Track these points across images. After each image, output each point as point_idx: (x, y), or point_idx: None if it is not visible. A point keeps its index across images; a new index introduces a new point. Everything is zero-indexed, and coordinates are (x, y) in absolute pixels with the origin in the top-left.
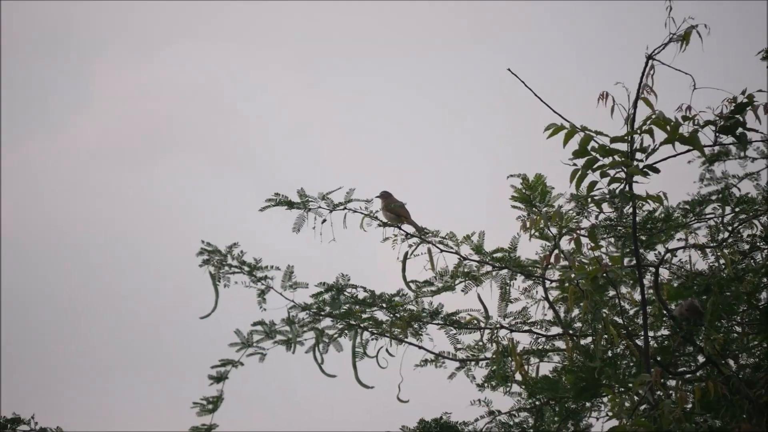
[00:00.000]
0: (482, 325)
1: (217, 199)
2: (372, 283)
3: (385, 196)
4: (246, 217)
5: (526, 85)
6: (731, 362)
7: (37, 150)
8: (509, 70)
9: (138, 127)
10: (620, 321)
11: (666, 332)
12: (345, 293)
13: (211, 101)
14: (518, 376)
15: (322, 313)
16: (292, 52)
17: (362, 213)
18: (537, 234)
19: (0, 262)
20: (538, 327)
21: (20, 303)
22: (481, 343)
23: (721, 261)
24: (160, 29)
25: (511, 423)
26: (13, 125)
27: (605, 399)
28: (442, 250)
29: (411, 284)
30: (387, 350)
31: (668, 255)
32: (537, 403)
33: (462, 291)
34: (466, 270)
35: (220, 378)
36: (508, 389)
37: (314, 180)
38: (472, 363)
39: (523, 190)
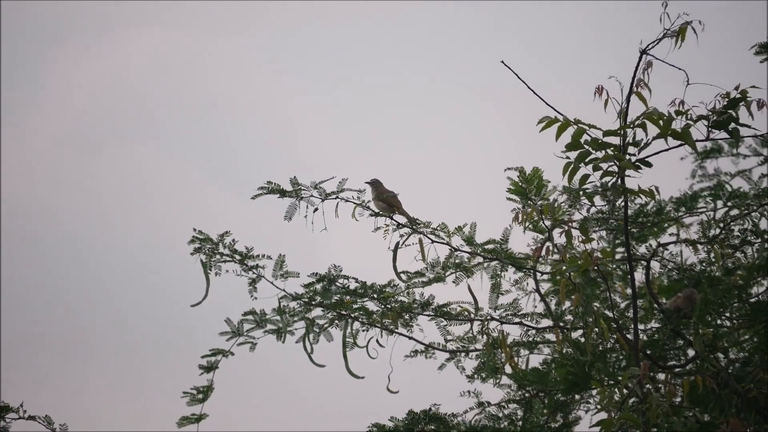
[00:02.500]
0: (472, 316)
1: (178, 188)
2: (353, 272)
3: (375, 184)
4: (213, 205)
5: (519, 78)
6: (721, 356)
7: None
8: (503, 62)
9: (94, 114)
10: (611, 314)
11: (656, 325)
12: (336, 284)
13: (170, 88)
14: (508, 368)
15: (313, 302)
16: (259, 38)
17: (354, 202)
18: (531, 226)
19: None
20: (529, 319)
21: None
22: (471, 335)
23: (712, 256)
24: (113, 15)
25: (500, 415)
26: None
27: (594, 392)
28: (433, 241)
29: (402, 275)
30: (377, 341)
31: (660, 249)
32: (526, 395)
33: (453, 282)
34: (457, 261)
35: (210, 368)
36: (497, 381)
37: (288, 170)
38: (462, 354)
39: (520, 183)
